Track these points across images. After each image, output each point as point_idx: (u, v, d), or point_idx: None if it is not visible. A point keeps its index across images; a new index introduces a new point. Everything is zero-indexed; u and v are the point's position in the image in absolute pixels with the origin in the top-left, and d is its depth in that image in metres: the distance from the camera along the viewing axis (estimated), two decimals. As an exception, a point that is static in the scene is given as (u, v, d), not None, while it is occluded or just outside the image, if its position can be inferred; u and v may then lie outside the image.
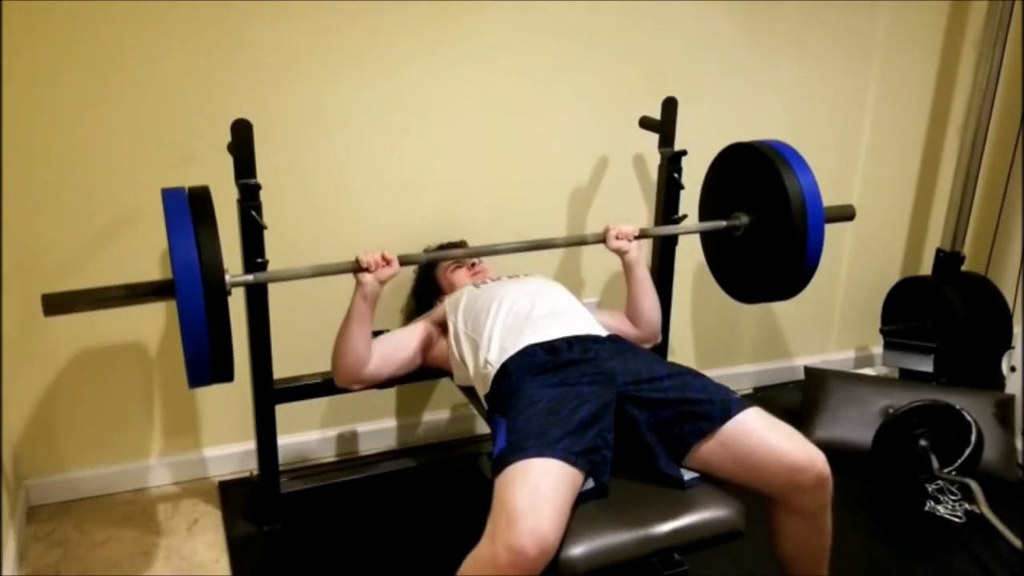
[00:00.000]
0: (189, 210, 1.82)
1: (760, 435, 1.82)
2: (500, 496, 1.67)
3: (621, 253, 2.38)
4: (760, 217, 2.40)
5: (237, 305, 2.34)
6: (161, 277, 2.31)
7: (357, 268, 2.12)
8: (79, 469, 2.57)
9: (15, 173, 2.26)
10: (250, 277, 2.05)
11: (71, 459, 2.56)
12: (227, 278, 1.83)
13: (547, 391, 1.91)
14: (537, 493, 1.64)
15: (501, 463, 1.73)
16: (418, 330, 2.36)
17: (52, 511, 2.52)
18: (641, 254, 2.40)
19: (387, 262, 2.13)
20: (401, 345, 2.32)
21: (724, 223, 2.45)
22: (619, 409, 1.91)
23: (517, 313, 2.17)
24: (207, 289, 1.76)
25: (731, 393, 1.94)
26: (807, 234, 2.26)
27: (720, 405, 1.87)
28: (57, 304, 1.84)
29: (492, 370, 2.07)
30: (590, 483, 1.79)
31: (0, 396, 1.99)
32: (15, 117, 2.22)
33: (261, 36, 2.37)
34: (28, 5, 2.15)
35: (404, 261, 2.18)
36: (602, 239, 2.38)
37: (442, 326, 2.35)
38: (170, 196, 1.85)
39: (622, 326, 2.41)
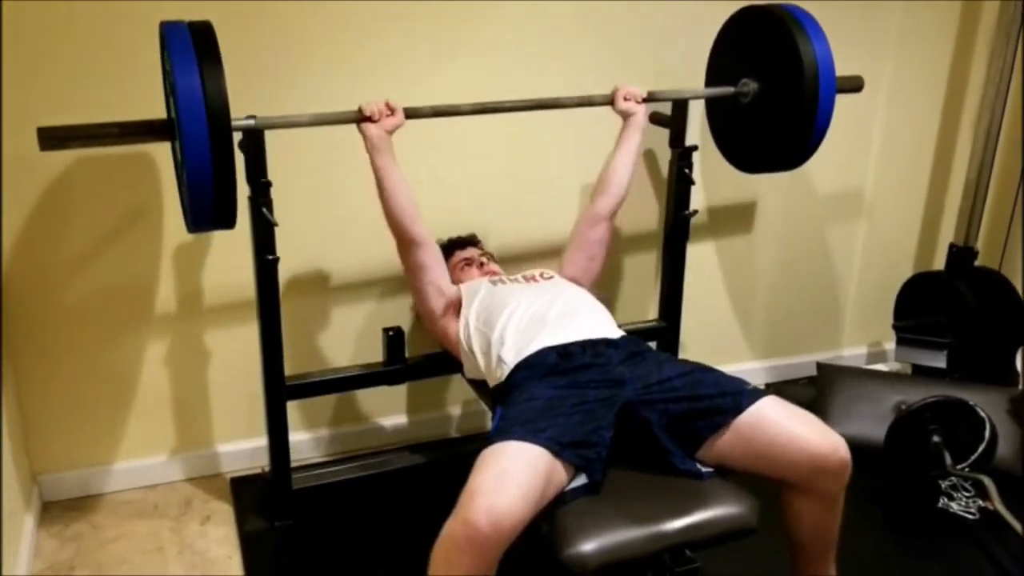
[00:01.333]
0: (193, 45, 1.77)
1: (780, 425, 1.82)
2: (472, 474, 1.68)
3: (628, 114, 2.42)
4: (769, 84, 2.36)
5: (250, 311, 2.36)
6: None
7: (361, 118, 2.11)
8: (92, 465, 2.58)
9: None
10: (251, 122, 2.01)
11: (84, 455, 2.57)
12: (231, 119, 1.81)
13: (552, 391, 1.91)
14: (503, 473, 1.64)
15: (484, 445, 1.75)
16: (453, 287, 2.36)
17: (65, 507, 2.53)
18: (645, 118, 2.45)
19: (392, 111, 2.12)
20: (444, 273, 2.35)
21: (732, 89, 2.43)
22: (632, 414, 1.90)
23: (533, 315, 2.16)
24: (212, 127, 1.73)
25: (744, 384, 1.94)
26: (818, 103, 2.23)
27: (732, 398, 1.86)
28: (53, 137, 1.83)
29: (506, 369, 2.07)
30: (582, 479, 1.79)
31: (0, 394, 2.00)
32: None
33: (274, 33, 2.37)
34: (25, 6, 2.15)
35: (409, 113, 2.16)
36: (610, 100, 2.41)
37: (455, 307, 2.33)
38: (171, 30, 1.80)
39: (579, 231, 2.47)
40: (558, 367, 2.00)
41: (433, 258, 2.30)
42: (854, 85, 2.54)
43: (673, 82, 2.68)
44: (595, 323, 2.17)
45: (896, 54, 3.12)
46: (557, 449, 1.72)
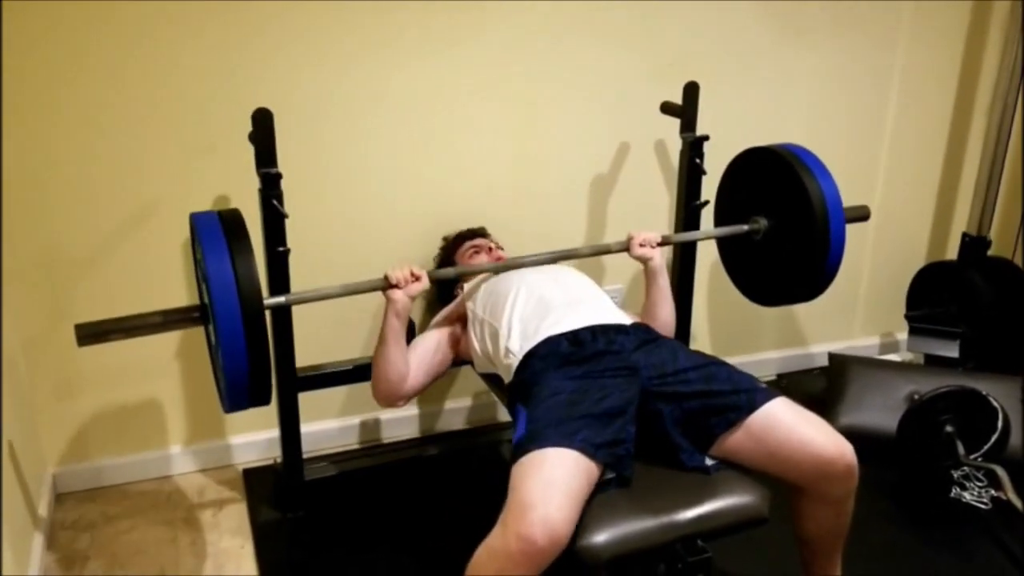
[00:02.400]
0: (223, 233, 1.78)
1: (789, 426, 1.82)
2: (515, 485, 1.67)
3: (644, 260, 2.35)
4: (780, 221, 2.40)
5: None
6: (184, 286, 2.37)
7: (387, 285, 2.09)
8: (105, 457, 2.59)
9: (34, 168, 2.27)
10: (282, 299, 2.03)
11: (97, 447, 2.58)
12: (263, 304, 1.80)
13: (570, 383, 1.90)
14: (551, 483, 1.64)
15: (518, 452, 1.74)
16: (445, 328, 2.36)
17: (79, 498, 2.55)
18: (663, 261, 2.38)
19: (416, 277, 2.09)
20: (435, 347, 2.32)
21: (745, 227, 2.46)
22: (644, 403, 1.90)
23: (539, 300, 2.16)
24: (245, 314, 1.73)
25: (757, 382, 1.94)
26: (829, 237, 2.27)
27: (746, 395, 1.86)
28: (90, 334, 1.84)
29: (515, 360, 2.06)
30: (610, 476, 1.79)
31: (0, 391, 2.01)
32: (33, 111, 2.23)
33: (282, 25, 2.37)
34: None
35: (433, 276, 2.16)
36: (626, 247, 2.36)
37: (462, 318, 2.35)
38: (202, 220, 1.82)
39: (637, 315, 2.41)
40: (572, 356, 1.99)
41: (424, 373, 2.27)
42: (861, 215, 2.58)
43: (684, 71, 2.67)
44: (603, 309, 2.17)
45: (908, 43, 3.09)
46: (592, 451, 1.73)
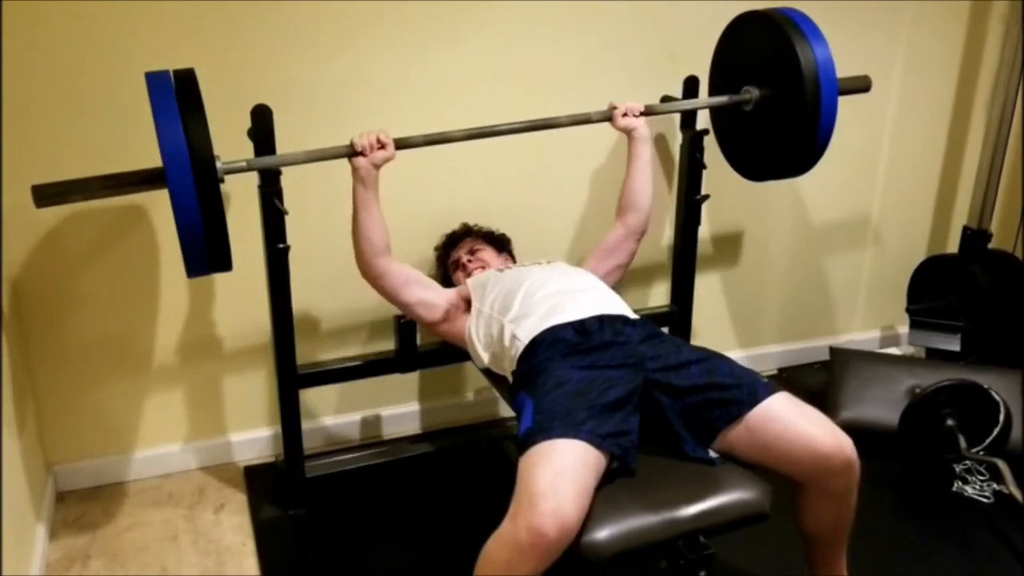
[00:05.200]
0: (175, 95, 1.80)
1: (787, 421, 1.81)
2: (523, 476, 1.67)
3: (629, 130, 2.40)
4: (772, 90, 2.35)
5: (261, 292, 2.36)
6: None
7: (352, 152, 2.12)
8: (106, 455, 2.59)
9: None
10: (243, 163, 2.04)
11: (99, 445, 2.58)
12: (218, 164, 1.86)
13: (576, 372, 1.90)
14: (560, 474, 1.64)
15: (526, 443, 1.74)
16: (446, 291, 2.37)
17: (80, 496, 2.55)
18: (648, 131, 2.43)
19: (382, 145, 2.13)
20: (428, 285, 2.35)
21: (733, 97, 2.42)
22: (646, 394, 1.90)
23: (547, 291, 2.16)
24: (197, 176, 1.76)
25: (758, 377, 1.94)
26: (820, 107, 2.21)
27: (748, 389, 1.86)
28: (48, 194, 1.86)
29: (520, 345, 2.06)
30: (615, 465, 1.79)
31: (0, 390, 2.00)
32: (24, 121, 2.23)
33: (281, 17, 2.36)
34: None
35: (400, 144, 2.17)
36: (608, 117, 2.39)
37: (465, 303, 2.34)
38: (155, 80, 1.83)
39: (612, 242, 2.49)
40: (579, 345, 2.00)
41: (404, 281, 2.29)
42: (860, 85, 2.52)
43: (684, 64, 2.66)
44: (610, 300, 2.18)
45: (909, 36, 3.08)
46: (599, 442, 1.73)
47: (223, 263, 1.89)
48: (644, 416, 1.88)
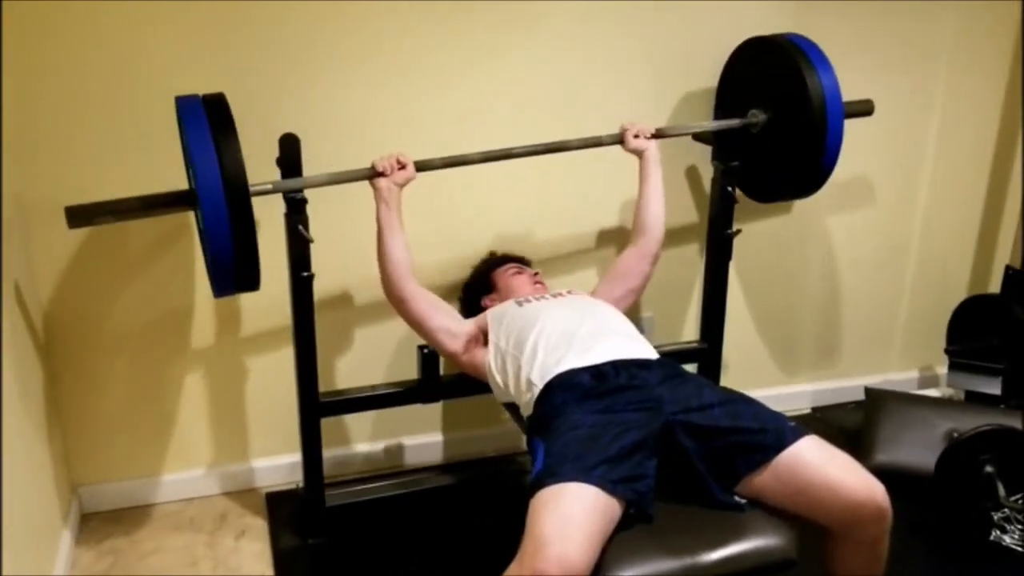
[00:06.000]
0: (207, 119, 1.85)
1: (817, 468, 1.77)
2: (531, 520, 1.64)
3: (640, 152, 2.41)
4: (778, 114, 2.40)
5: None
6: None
7: (373, 174, 2.16)
8: (131, 478, 2.60)
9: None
10: (268, 185, 2.06)
11: (123, 468, 2.59)
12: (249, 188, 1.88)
13: (590, 417, 1.87)
14: (567, 520, 1.61)
15: (535, 486, 1.71)
16: (466, 322, 2.35)
17: (104, 519, 2.55)
18: (658, 154, 2.44)
19: (402, 165, 2.17)
20: (451, 313, 2.35)
21: (741, 120, 2.46)
22: (669, 438, 1.86)
23: (562, 333, 2.12)
24: (230, 197, 1.81)
25: (784, 420, 1.89)
26: (827, 132, 2.27)
27: (774, 434, 1.82)
28: (80, 215, 1.92)
29: (535, 391, 2.03)
30: (631, 511, 1.75)
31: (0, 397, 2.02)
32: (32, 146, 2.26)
33: (306, 46, 2.38)
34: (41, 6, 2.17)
35: (420, 166, 2.21)
36: (619, 140, 2.40)
37: (483, 335, 2.32)
38: (185, 105, 1.88)
39: (624, 265, 2.46)
40: (593, 390, 1.96)
41: (429, 306, 2.28)
42: (863, 109, 2.57)
43: (701, 80, 2.64)
44: (627, 343, 2.13)
45: (950, 70, 3.03)
46: (611, 487, 1.69)
47: (251, 283, 1.94)
48: (668, 460, 1.84)
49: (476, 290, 2.56)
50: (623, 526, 1.72)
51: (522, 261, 2.59)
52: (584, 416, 1.87)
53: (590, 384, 1.97)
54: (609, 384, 1.97)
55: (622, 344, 2.11)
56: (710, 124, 2.55)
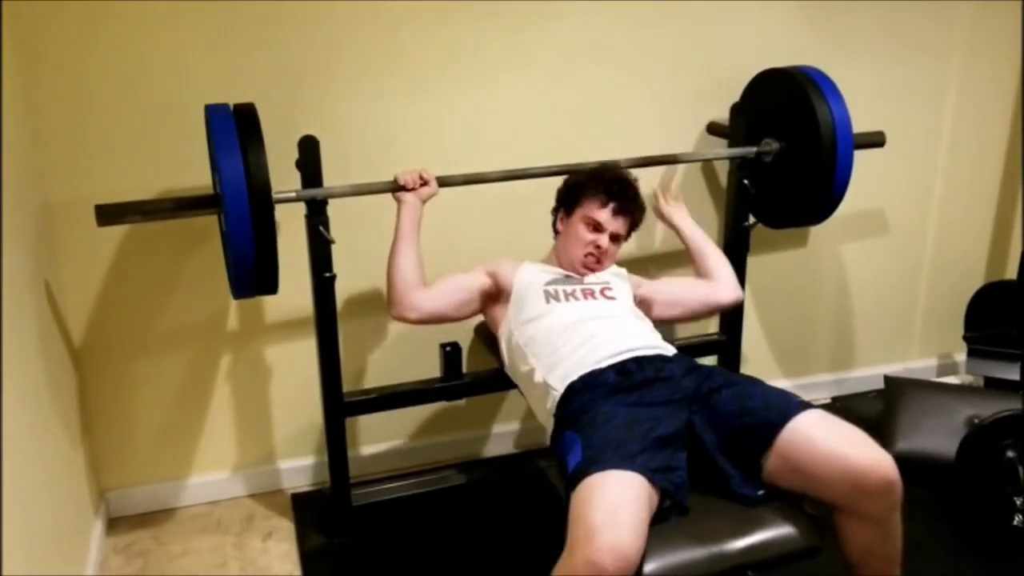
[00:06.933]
0: (235, 127, 1.91)
1: (819, 438, 1.76)
2: (577, 510, 1.64)
3: (674, 223, 2.49)
4: (791, 143, 2.48)
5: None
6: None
7: (396, 187, 2.20)
8: (158, 481, 2.63)
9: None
10: (292, 193, 2.11)
11: (151, 471, 2.61)
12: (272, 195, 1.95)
13: (623, 409, 1.88)
14: (616, 506, 1.61)
15: (578, 476, 1.71)
16: (479, 278, 2.30)
17: (132, 522, 2.58)
18: (687, 216, 2.52)
19: (425, 181, 2.19)
20: (465, 288, 2.29)
21: (755, 149, 2.53)
22: (691, 433, 1.87)
23: (583, 336, 2.08)
24: (253, 204, 1.88)
25: (791, 397, 1.89)
26: (836, 161, 2.35)
27: (778, 410, 1.82)
28: (110, 214, 1.99)
29: (556, 394, 2.02)
30: (668, 504, 1.75)
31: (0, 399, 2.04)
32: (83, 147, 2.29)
33: (331, 49, 2.40)
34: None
35: (442, 182, 2.24)
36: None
37: (503, 293, 2.28)
38: (215, 113, 1.94)
39: (684, 297, 2.40)
40: (621, 384, 1.96)
41: (442, 297, 2.25)
42: (874, 141, 2.66)
43: (731, 91, 2.65)
44: (645, 339, 2.11)
45: (964, 58, 3.04)
46: (650, 476, 1.70)
47: (270, 286, 2.00)
48: (690, 454, 1.85)
49: (565, 198, 2.35)
50: (659, 518, 1.72)
51: (625, 196, 2.27)
52: (616, 408, 1.88)
53: (616, 380, 1.97)
54: (635, 378, 1.97)
55: (641, 342, 2.09)
56: (725, 151, 2.61)
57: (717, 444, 1.85)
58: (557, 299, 2.21)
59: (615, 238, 2.29)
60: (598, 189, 2.26)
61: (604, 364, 2.01)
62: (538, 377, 2.09)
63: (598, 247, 2.26)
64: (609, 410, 1.88)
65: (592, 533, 1.56)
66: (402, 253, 2.20)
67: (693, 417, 1.89)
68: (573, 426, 1.90)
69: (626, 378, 1.98)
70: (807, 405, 1.84)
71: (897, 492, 1.73)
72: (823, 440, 1.75)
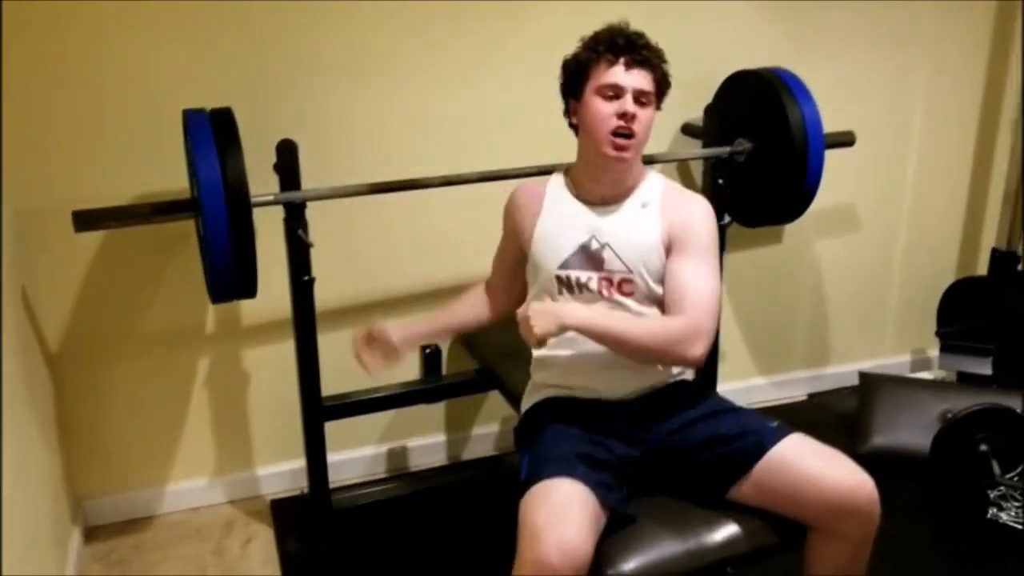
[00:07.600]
0: (212, 131, 1.92)
1: (799, 464, 1.71)
2: (524, 518, 1.64)
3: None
4: (762, 143, 2.52)
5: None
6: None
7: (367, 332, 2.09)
8: (136, 489, 2.61)
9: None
10: (270, 196, 2.11)
11: (128, 479, 2.60)
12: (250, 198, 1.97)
13: (576, 430, 1.84)
14: (559, 507, 1.61)
15: (524, 488, 1.71)
16: (508, 250, 2.10)
17: (111, 531, 2.56)
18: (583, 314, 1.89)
19: (375, 337, 2.05)
20: (514, 267, 2.08)
21: (728, 149, 2.57)
22: (656, 465, 1.84)
23: (583, 355, 1.92)
24: (231, 207, 1.88)
25: (767, 423, 1.82)
26: (807, 160, 2.40)
27: (754, 438, 1.76)
28: (87, 220, 1.99)
29: (534, 397, 1.99)
30: (611, 518, 1.73)
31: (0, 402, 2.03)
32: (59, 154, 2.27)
33: (309, 52, 2.40)
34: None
35: (416, 185, 2.24)
36: None
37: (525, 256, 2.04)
38: (192, 117, 1.94)
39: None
40: (581, 415, 1.89)
41: (504, 280, 2.12)
42: (844, 140, 2.73)
43: (704, 92, 2.67)
44: (633, 375, 1.93)
45: (931, 56, 3.08)
46: (592, 486, 1.68)
47: (248, 290, 2.01)
48: (660, 482, 1.84)
49: (569, 82, 1.96)
50: (610, 530, 1.71)
51: (635, 46, 1.88)
52: (569, 428, 1.84)
53: (581, 413, 1.89)
54: (602, 412, 1.90)
55: (627, 377, 1.92)
56: (699, 151, 2.64)
57: (686, 474, 1.81)
58: (570, 290, 1.92)
59: (641, 100, 1.86)
60: (599, 50, 1.87)
61: (584, 396, 1.92)
62: (532, 363, 2.03)
63: (623, 114, 1.84)
64: (561, 428, 1.85)
65: (537, 533, 1.57)
66: (454, 326, 2.17)
67: (659, 451, 1.84)
68: (527, 444, 1.89)
69: (591, 412, 1.89)
70: (786, 431, 1.79)
71: (876, 518, 1.70)
72: (804, 463, 1.71)
